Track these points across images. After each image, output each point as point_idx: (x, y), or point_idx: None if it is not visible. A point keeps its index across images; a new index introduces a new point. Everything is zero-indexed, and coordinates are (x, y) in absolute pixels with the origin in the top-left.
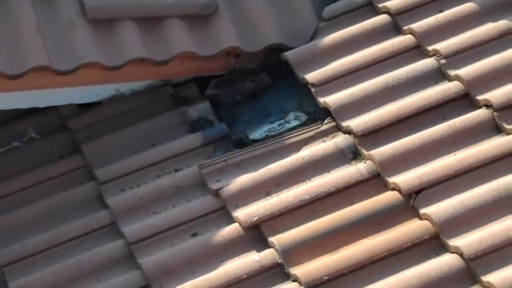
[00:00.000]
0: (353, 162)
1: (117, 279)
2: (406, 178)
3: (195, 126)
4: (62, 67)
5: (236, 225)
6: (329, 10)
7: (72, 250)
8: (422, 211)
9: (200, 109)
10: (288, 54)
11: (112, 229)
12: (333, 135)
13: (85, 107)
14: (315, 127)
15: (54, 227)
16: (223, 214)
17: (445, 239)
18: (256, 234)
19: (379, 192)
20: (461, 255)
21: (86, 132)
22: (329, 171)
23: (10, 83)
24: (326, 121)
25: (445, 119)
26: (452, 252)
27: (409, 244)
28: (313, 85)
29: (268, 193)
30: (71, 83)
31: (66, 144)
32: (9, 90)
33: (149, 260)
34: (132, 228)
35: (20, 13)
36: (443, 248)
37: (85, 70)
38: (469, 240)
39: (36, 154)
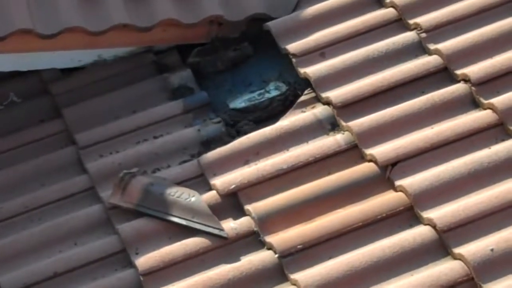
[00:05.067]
0: (331, 133)
1: (94, 243)
2: (383, 150)
3: (176, 93)
4: (45, 31)
5: (213, 192)
6: None
7: (50, 214)
8: (398, 183)
9: (181, 76)
10: (271, 24)
11: (91, 194)
12: (312, 105)
13: (67, 72)
14: None
15: (33, 190)
16: (201, 182)
17: (419, 211)
18: (233, 202)
19: (356, 163)
20: (434, 227)
21: (67, 97)
22: (307, 142)
23: None
24: (306, 92)
25: (423, 92)
26: (425, 224)
27: (384, 215)
28: (294, 55)
29: (246, 162)
30: (54, 47)
31: (47, 108)
32: None
33: (126, 225)
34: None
35: None
36: (417, 220)
37: (68, 34)
38: (442, 213)
39: (17, 117)
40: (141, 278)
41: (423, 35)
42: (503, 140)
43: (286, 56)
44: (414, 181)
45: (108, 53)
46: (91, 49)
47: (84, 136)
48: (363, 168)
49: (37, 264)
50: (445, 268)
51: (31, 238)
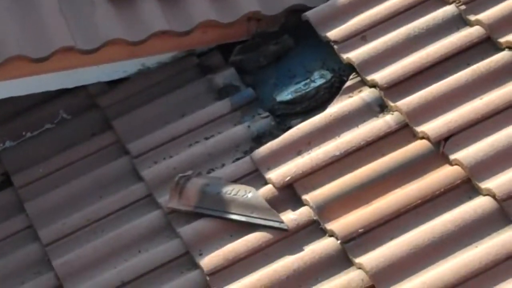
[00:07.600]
0: (381, 115)
1: (157, 249)
2: (434, 126)
3: (222, 93)
4: (86, 47)
5: (269, 186)
6: None
7: (111, 224)
8: (452, 156)
9: (225, 76)
10: (309, 14)
11: (149, 201)
12: (359, 90)
13: (113, 84)
14: None
15: (92, 203)
16: (256, 177)
17: (477, 183)
18: (290, 194)
19: (408, 142)
20: (493, 196)
21: (116, 108)
22: (357, 126)
23: (37, 66)
24: (351, 77)
25: (468, 64)
26: (484, 195)
27: (442, 190)
28: (336, 42)
29: (299, 153)
30: (97, 61)
31: (97, 122)
32: (36, 74)
33: (187, 227)
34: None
35: None
36: (476, 192)
37: (109, 47)
38: (500, 181)
39: (68, 134)
40: (207, 278)
41: (463, 7)
42: None
43: (328, 44)
44: (469, 153)
45: (151, 60)
46: (134, 59)
47: (137, 145)
48: (416, 146)
49: (104, 275)
50: (509, 236)
51: (96, 250)
